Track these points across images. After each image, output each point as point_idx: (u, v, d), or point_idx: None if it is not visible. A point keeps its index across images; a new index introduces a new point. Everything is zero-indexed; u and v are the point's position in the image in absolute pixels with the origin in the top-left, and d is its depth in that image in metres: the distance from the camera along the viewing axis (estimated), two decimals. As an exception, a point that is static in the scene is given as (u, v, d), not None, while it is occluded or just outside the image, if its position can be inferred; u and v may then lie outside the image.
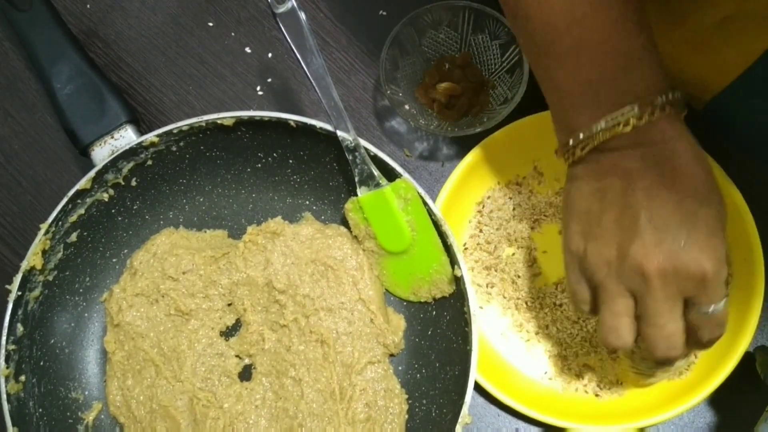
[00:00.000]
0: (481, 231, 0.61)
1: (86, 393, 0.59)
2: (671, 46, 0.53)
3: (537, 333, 0.59)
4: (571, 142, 0.46)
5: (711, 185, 0.45)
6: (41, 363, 0.57)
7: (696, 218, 0.44)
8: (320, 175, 0.60)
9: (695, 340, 0.47)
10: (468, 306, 0.54)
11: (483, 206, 0.61)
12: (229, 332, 0.60)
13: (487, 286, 0.60)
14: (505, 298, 0.60)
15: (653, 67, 0.45)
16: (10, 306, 0.55)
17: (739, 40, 0.49)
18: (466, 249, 0.61)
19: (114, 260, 0.61)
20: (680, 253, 0.43)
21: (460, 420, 0.52)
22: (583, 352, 0.58)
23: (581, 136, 0.45)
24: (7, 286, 0.55)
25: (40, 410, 0.56)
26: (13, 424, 0.54)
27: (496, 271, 0.60)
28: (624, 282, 0.45)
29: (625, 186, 0.45)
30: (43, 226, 0.56)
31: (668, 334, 0.45)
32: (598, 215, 0.46)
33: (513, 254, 0.61)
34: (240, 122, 0.57)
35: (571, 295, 0.49)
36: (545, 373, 0.59)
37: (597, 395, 0.58)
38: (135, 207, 0.61)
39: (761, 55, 0.48)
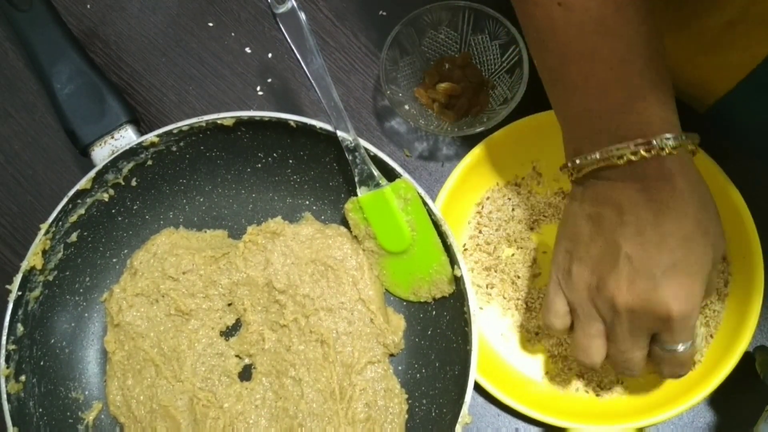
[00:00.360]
0: (480, 232, 0.61)
1: (86, 393, 0.59)
2: (675, 49, 0.53)
3: (537, 333, 0.59)
4: (570, 164, 0.48)
5: (702, 228, 0.45)
6: (41, 363, 0.57)
7: (675, 260, 0.45)
8: (320, 175, 0.60)
9: (658, 371, 0.50)
10: (468, 306, 0.54)
11: (482, 207, 0.62)
12: (229, 332, 0.60)
13: (487, 287, 0.61)
14: (505, 298, 0.60)
15: (660, 104, 0.45)
16: (10, 306, 0.55)
17: (744, 43, 0.49)
18: (465, 250, 0.61)
19: (114, 260, 0.61)
20: (650, 293, 0.45)
21: (460, 420, 0.52)
22: (583, 352, 0.58)
23: (578, 161, 0.47)
24: (8, 286, 0.55)
25: (41, 410, 0.56)
26: (14, 424, 0.54)
27: (495, 271, 0.61)
28: (598, 308, 0.48)
29: (616, 219, 0.46)
30: (43, 226, 0.56)
31: (628, 359, 0.49)
32: (586, 241, 0.48)
33: (512, 255, 0.61)
34: (240, 122, 0.57)
35: (546, 305, 0.51)
36: (546, 373, 0.59)
37: (597, 395, 0.58)
38: (135, 207, 0.61)
39: (765, 59, 0.48)
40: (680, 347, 0.48)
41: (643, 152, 0.44)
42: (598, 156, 0.46)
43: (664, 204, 0.45)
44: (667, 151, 0.44)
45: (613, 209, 0.46)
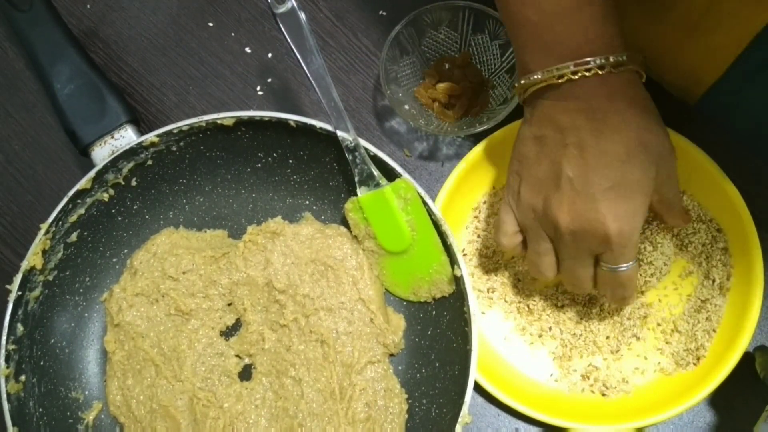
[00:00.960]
0: (478, 237, 0.61)
1: (86, 393, 0.59)
2: (661, 35, 0.52)
3: (540, 335, 0.59)
4: (516, 84, 0.49)
5: (642, 145, 0.46)
6: (41, 363, 0.57)
7: (615, 180, 0.45)
8: (320, 175, 0.60)
9: (604, 292, 0.53)
10: (468, 306, 0.54)
11: (479, 212, 0.62)
12: (229, 332, 0.60)
13: (488, 291, 0.60)
14: (506, 302, 0.60)
15: (602, 20, 0.45)
16: (10, 306, 0.55)
17: (730, 23, 0.49)
18: (465, 255, 0.61)
19: (114, 260, 0.61)
20: (590, 214, 0.46)
21: (459, 419, 0.52)
22: (588, 353, 0.58)
23: (522, 81, 0.48)
24: (7, 286, 0.55)
25: (41, 410, 0.56)
26: (14, 424, 0.54)
27: (496, 275, 0.60)
28: (544, 228, 0.50)
29: (558, 140, 0.47)
30: (43, 226, 0.56)
31: (575, 276, 0.51)
32: (532, 162, 0.49)
33: (512, 258, 0.61)
34: (240, 122, 0.57)
35: (496, 225, 0.53)
36: (551, 375, 0.59)
37: (603, 395, 0.58)
38: (135, 207, 0.61)
39: (753, 40, 0.48)
40: (622, 267, 0.49)
41: (583, 71, 0.44)
42: (539, 76, 0.46)
43: (604, 123, 0.45)
44: (607, 70, 0.44)
45: (556, 130, 0.47)
